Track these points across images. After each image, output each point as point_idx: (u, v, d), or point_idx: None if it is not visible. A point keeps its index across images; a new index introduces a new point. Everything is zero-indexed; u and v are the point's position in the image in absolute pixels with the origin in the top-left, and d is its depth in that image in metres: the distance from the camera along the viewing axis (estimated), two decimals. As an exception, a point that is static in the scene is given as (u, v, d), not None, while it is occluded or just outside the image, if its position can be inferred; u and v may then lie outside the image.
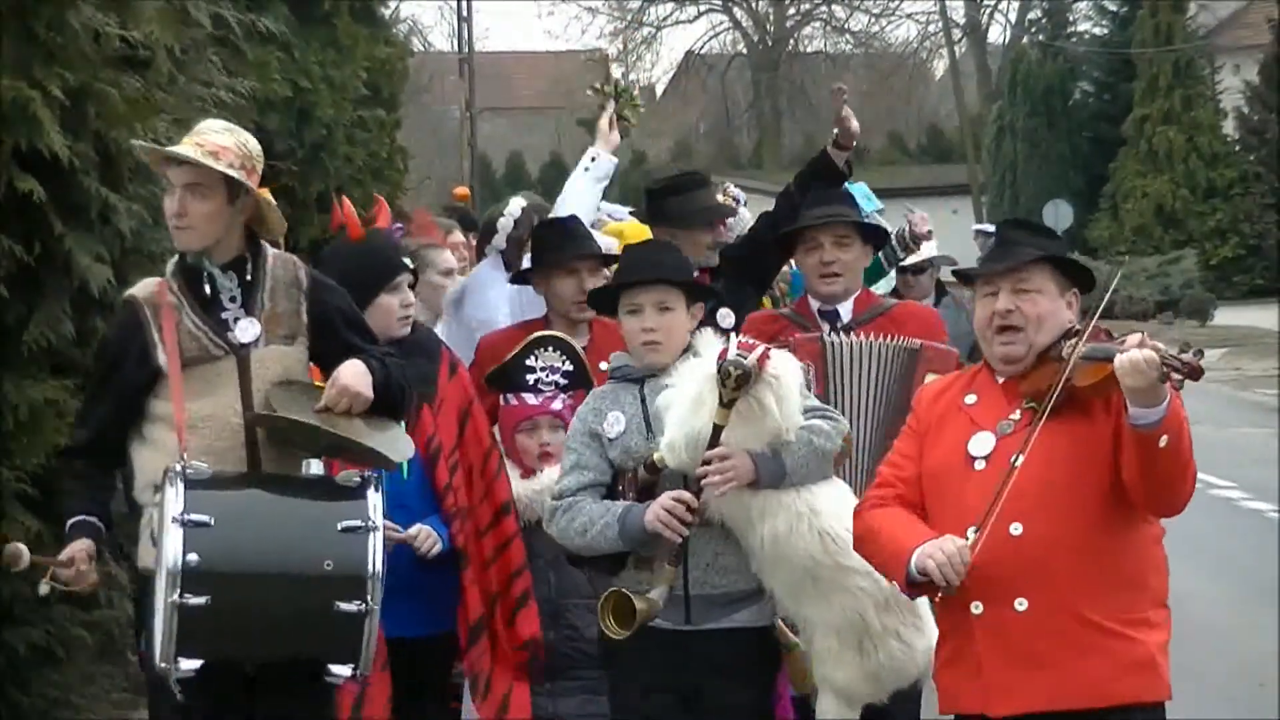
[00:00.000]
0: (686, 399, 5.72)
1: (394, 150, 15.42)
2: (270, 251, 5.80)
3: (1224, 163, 49.78)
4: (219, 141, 5.66)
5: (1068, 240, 46.52)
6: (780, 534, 5.73)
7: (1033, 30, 59.66)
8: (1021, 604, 5.00)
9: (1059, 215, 45.77)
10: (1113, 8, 55.37)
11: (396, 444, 5.71)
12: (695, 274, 7.43)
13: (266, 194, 5.75)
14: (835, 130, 7.53)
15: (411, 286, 6.66)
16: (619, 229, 8.35)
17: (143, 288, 5.74)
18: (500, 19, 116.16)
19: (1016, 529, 4.99)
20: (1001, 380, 5.22)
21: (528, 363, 6.85)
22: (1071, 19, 58.59)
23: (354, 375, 5.60)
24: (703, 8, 64.75)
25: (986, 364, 5.31)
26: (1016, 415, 5.10)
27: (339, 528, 5.34)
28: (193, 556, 5.19)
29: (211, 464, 5.41)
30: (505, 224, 8.06)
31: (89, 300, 7.94)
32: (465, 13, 42.36)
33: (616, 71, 8.86)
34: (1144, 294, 42.70)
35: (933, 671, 5.32)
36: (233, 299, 5.68)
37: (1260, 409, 23.89)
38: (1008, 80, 55.15)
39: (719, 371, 5.60)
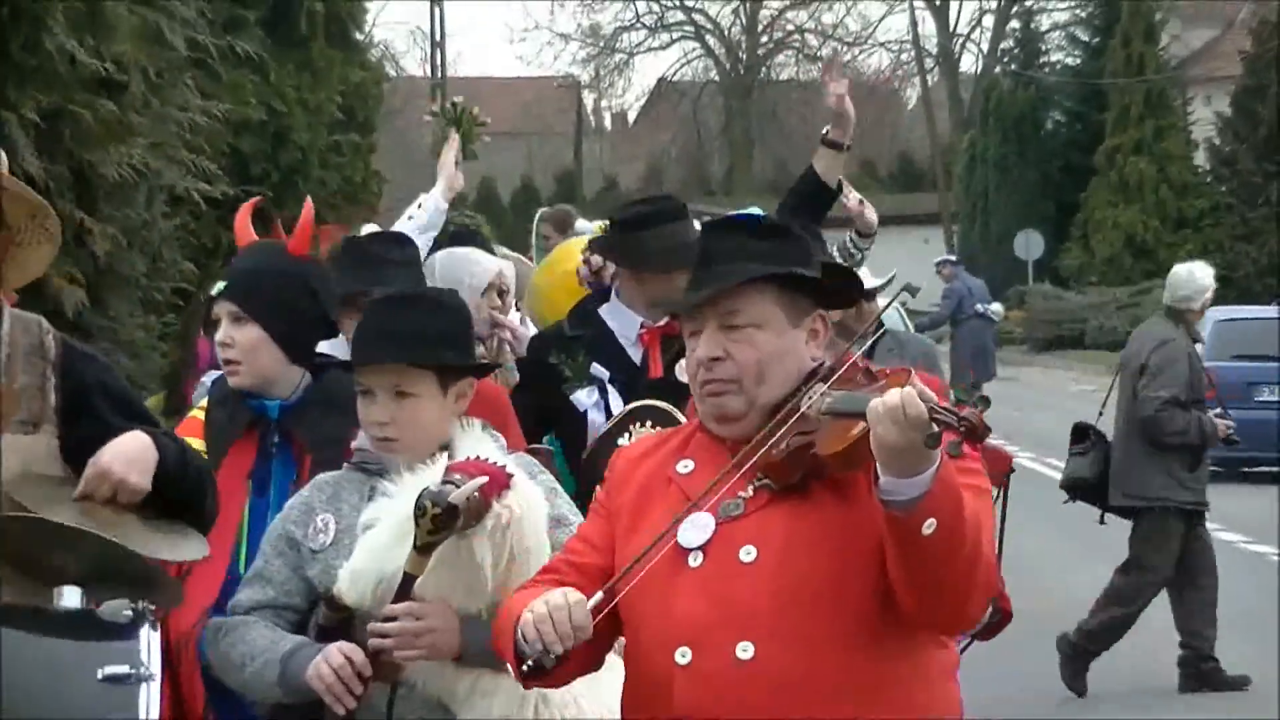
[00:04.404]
0: (395, 521, 4.19)
1: (369, 174, 15.44)
2: (6, 310, 4.37)
3: (1195, 193, 49.89)
4: None
5: (1037, 269, 46.73)
6: None
7: (1005, 60, 59.81)
8: None
9: (1030, 245, 45.93)
10: (1085, 38, 55.57)
11: (181, 547, 4.39)
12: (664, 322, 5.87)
13: (34, 197, 4.33)
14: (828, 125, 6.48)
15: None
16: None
17: None
18: (472, 44, 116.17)
19: (745, 651, 3.61)
20: (728, 444, 3.80)
21: (620, 441, 5.46)
22: (1044, 49, 58.74)
23: (119, 453, 4.22)
24: (675, 35, 65.02)
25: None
26: (748, 492, 3.70)
27: (100, 676, 4.05)
28: None
29: None
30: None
31: (63, 323, 7.94)
32: (438, 37, 42.39)
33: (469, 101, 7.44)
34: (1115, 324, 42.77)
35: None
36: None
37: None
38: (980, 109, 55.30)
39: (415, 506, 4.06)
